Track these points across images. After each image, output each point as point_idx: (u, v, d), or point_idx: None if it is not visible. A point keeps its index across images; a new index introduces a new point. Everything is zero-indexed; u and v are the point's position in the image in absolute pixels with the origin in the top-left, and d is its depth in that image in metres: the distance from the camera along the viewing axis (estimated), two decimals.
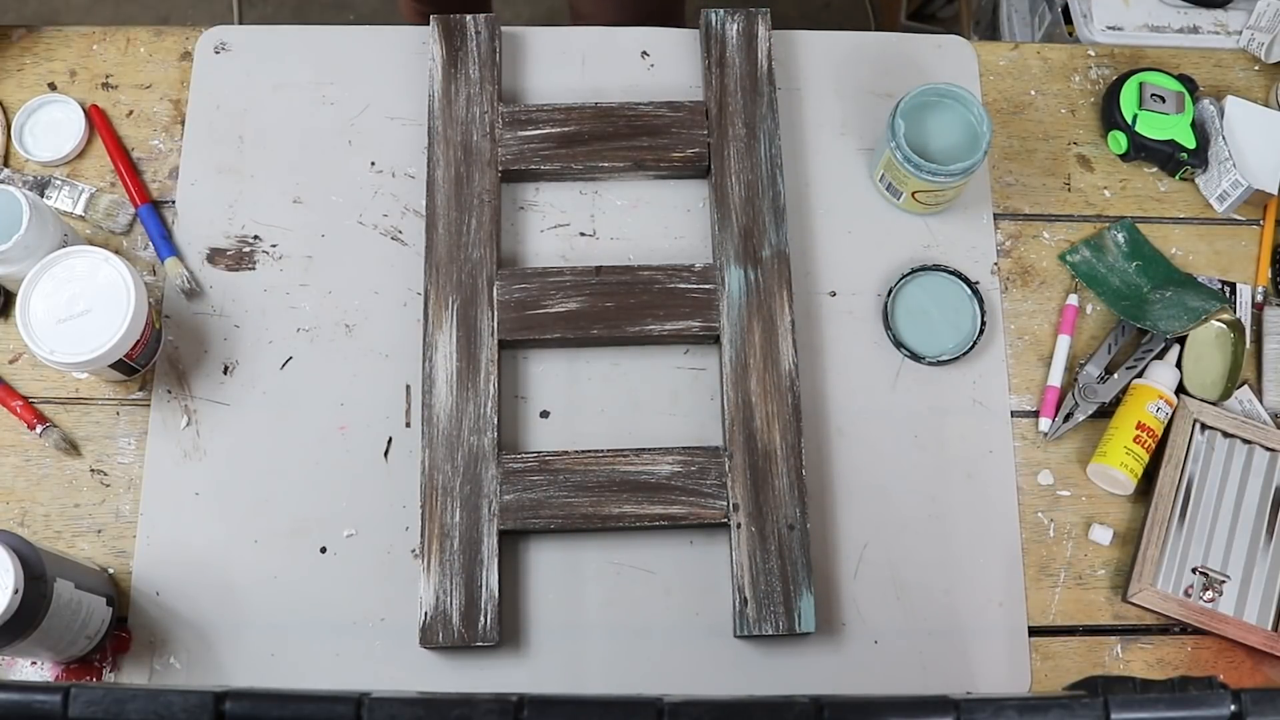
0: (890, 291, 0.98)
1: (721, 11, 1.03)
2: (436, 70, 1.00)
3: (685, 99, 1.03)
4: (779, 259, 0.95)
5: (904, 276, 0.98)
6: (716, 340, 0.94)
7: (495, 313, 0.93)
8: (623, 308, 0.94)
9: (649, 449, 0.91)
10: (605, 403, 0.95)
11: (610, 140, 0.99)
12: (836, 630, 0.90)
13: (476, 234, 0.95)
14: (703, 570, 0.91)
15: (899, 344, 0.97)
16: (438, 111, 0.99)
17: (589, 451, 0.91)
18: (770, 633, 0.86)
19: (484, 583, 0.87)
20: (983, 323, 0.97)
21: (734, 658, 0.89)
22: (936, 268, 0.98)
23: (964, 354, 0.96)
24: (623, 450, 0.91)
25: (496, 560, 0.87)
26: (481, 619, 0.86)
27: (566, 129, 0.99)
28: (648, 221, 1.01)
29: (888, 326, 0.97)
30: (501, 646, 0.87)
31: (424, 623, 0.86)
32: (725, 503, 0.89)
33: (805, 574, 0.88)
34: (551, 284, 0.95)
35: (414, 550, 0.90)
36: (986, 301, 0.98)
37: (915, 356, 0.96)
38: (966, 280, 0.98)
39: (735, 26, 1.02)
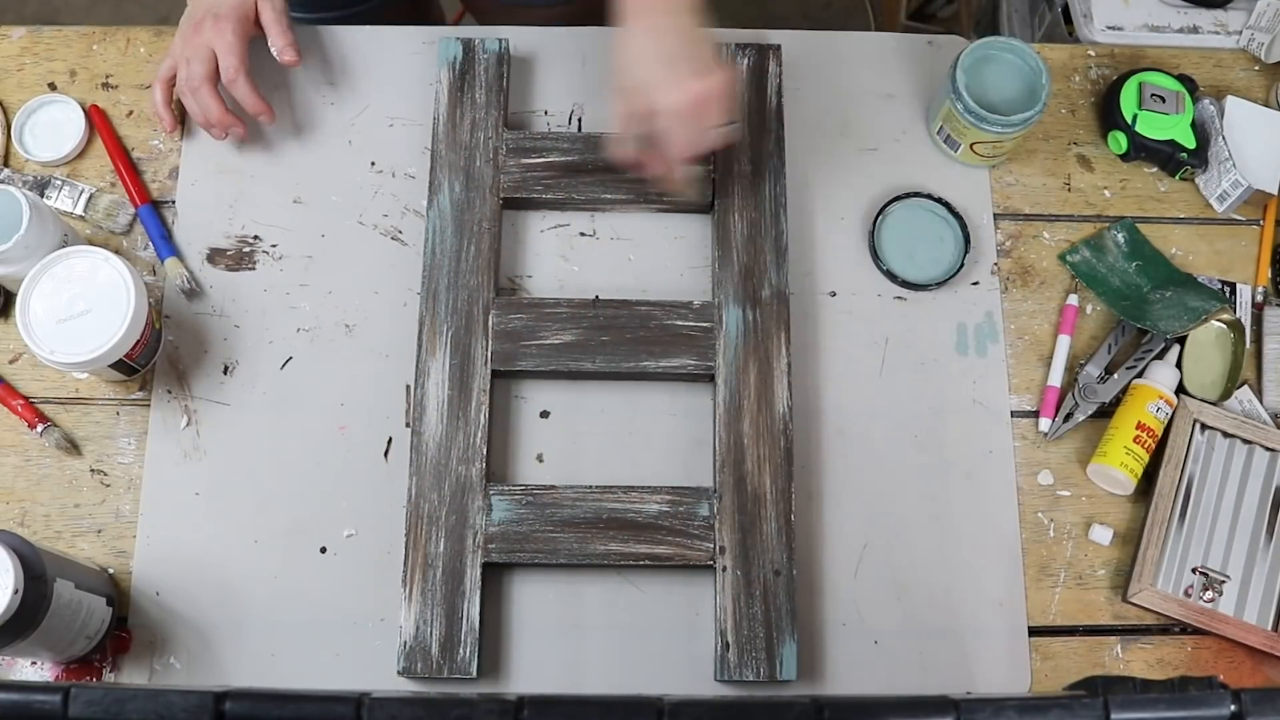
0: (876, 218, 0.99)
1: (733, 45, 1.02)
2: (442, 92, 0.99)
3: None
4: (779, 300, 0.94)
5: (890, 203, 1.00)
6: (711, 379, 0.93)
7: (490, 342, 0.93)
8: (619, 342, 0.93)
9: (637, 487, 0.90)
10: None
11: (613, 171, 0.98)
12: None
13: (475, 261, 0.95)
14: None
15: (887, 272, 0.98)
16: (441, 135, 0.98)
17: (577, 487, 0.90)
18: (751, 678, 0.85)
19: (465, 614, 0.86)
20: (966, 249, 0.98)
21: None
22: (921, 195, 1.00)
23: (950, 279, 0.98)
24: (611, 487, 0.90)
25: (479, 592, 0.86)
26: (461, 651, 0.85)
27: (570, 158, 0.98)
28: (647, 223, 1.00)
29: (874, 254, 0.99)
30: (480, 680, 0.86)
31: (403, 652, 0.85)
32: (712, 545, 0.88)
33: (789, 621, 0.86)
34: (548, 314, 0.94)
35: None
36: (971, 230, 0.99)
37: (905, 283, 0.98)
38: (950, 208, 0.99)
39: (746, 61, 1.01)
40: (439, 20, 1.44)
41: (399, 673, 0.85)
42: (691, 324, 0.94)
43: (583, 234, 1.00)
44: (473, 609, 0.86)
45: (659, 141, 0.88)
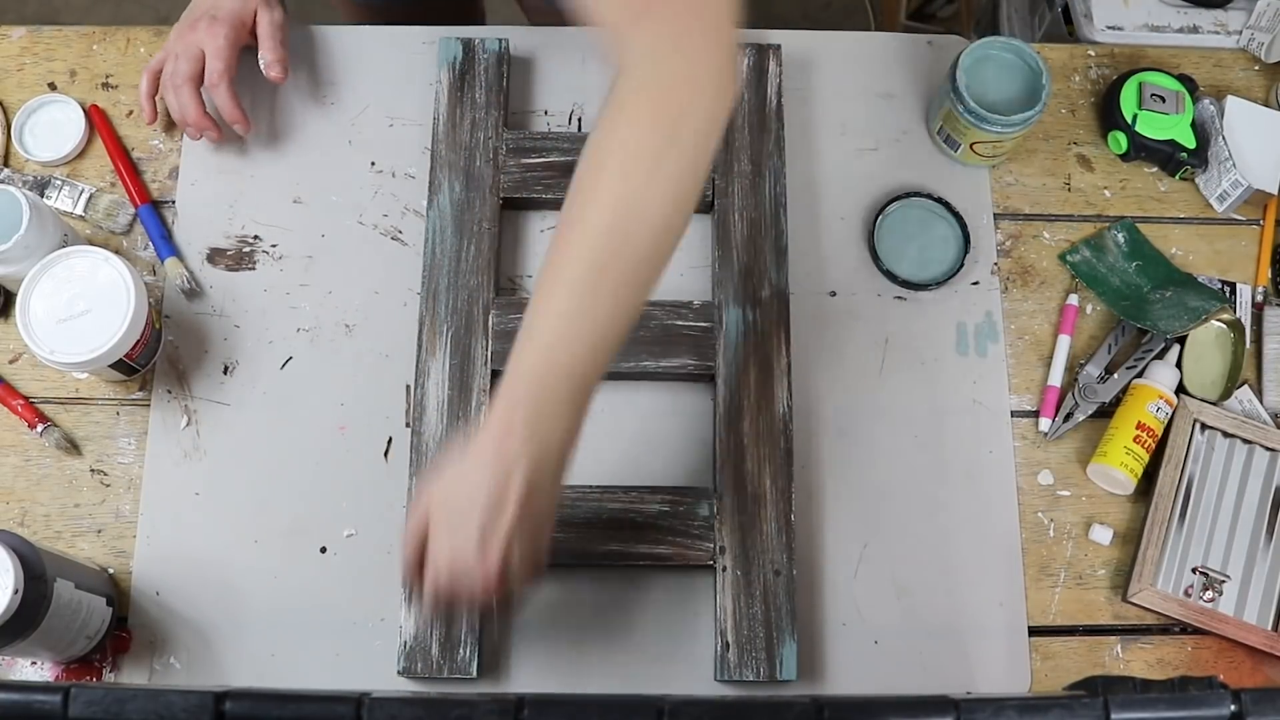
0: (876, 217, 0.99)
1: None
2: (442, 92, 0.99)
3: None
4: (779, 300, 0.94)
5: (890, 203, 1.00)
6: (711, 379, 0.93)
7: (490, 342, 0.92)
8: None
9: (637, 487, 0.90)
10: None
11: None
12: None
13: (475, 261, 0.94)
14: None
15: (887, 272, 0.98)
16: (441, 135, 0.98)
17: (577, 487, 0.89)
18: (751, 679, 0.85)
19: (468, 615, 0.86)
20: (966, 249, 0.98)
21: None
22: (921, 195, 1.00)
23: (950, 279, 0.98)
24: (611, 487, 0.90)
25: None
26: (461, 650, 0.85)
27: (570, 158, 0.97)
28: None
29: (874, 255, 0.99)
30: (480, 680, 0.86)
31: (403, 652, 0.85)
32: (712, 545, 0.88)
33: (789, 621, 0.86)
34: None
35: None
36: (970, 230, 0.99)
37: (905, 283, 0.98)
38: (950, 208, 0.99)
39: (746, 61, 1.01)
40: (481, 18, 1.42)
41: (399, 673, 0.85)
42: (691, 324, 0.94)
43: None
44: (472, 609, 0.86)
45: (437, 586, 0.72)
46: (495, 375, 0.93)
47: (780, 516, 0.89)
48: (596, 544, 0.88)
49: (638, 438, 0.94)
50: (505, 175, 0.97)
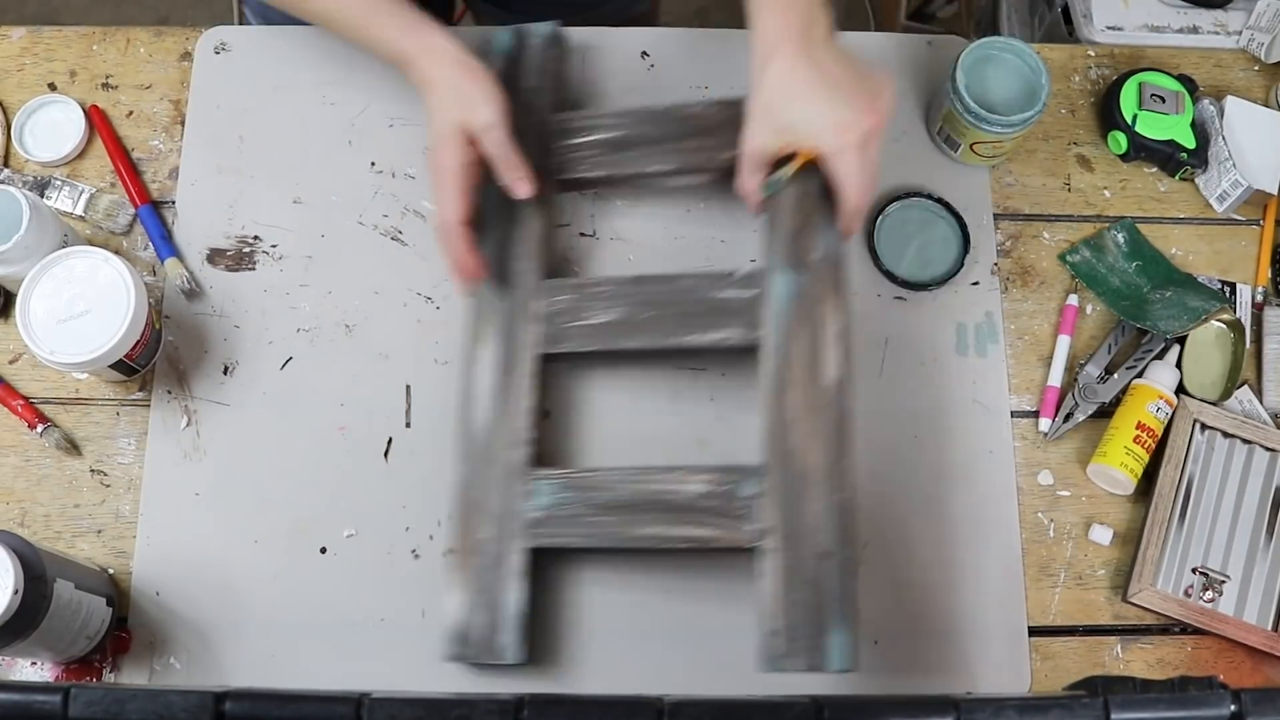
0: (876, 218, 0.99)
1: None
2: None
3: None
4: (830, 262, 0.90)
5: (889, 203, 1.00)
6: (755, 352, 0.89)
7: (536, 326, 0.91)
8: (663, 317, 0.91)
9: (679, 467, 0.87)
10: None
11: (659, 143, 0.96)
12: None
13: (523, 246, 0.94)
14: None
15: (887, 272, 0.98)
16: None
17: (619, 469, 0.88)
18: (798, 669, 0.81)
19: (509, 599, 0.85)
20: (966, 249, 0.98)
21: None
22: (921, 195, 1.00)
23: (950, 279, 0.98)
24: (653, 468, 0.87)
25: (522, 577, 0.86)
26: (505, 635, 0.84)
27: (614, 134, 0.97)
28: (647, 223, 1.00)
29: (874, 255, 0.99)
30: (525, 667, 0.86)
31: (448, 637, 0.85)
32: (757, 526, 0.84)
33: (840, 607, 0.80)
34: (589, 294, 0.92)
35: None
36: (970, 230, 0.99)
37: (905, 283, 0.98)
38: (950, 208, 0.99)
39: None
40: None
41: (445, 659, 0.84)
42: (736, 294, 0.90)
43: (583, 234, 1.00)
44: (518, 594, 0.85)
45: (834, 184, 0.84)
46: (545, 359, 0.91)
47: (831, 493, 0.83)
48: (639, 528, 0.85)
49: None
50: (553, 158, 0.96)
